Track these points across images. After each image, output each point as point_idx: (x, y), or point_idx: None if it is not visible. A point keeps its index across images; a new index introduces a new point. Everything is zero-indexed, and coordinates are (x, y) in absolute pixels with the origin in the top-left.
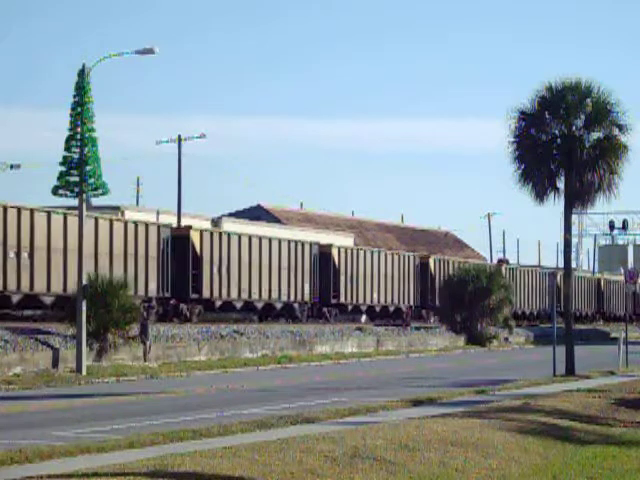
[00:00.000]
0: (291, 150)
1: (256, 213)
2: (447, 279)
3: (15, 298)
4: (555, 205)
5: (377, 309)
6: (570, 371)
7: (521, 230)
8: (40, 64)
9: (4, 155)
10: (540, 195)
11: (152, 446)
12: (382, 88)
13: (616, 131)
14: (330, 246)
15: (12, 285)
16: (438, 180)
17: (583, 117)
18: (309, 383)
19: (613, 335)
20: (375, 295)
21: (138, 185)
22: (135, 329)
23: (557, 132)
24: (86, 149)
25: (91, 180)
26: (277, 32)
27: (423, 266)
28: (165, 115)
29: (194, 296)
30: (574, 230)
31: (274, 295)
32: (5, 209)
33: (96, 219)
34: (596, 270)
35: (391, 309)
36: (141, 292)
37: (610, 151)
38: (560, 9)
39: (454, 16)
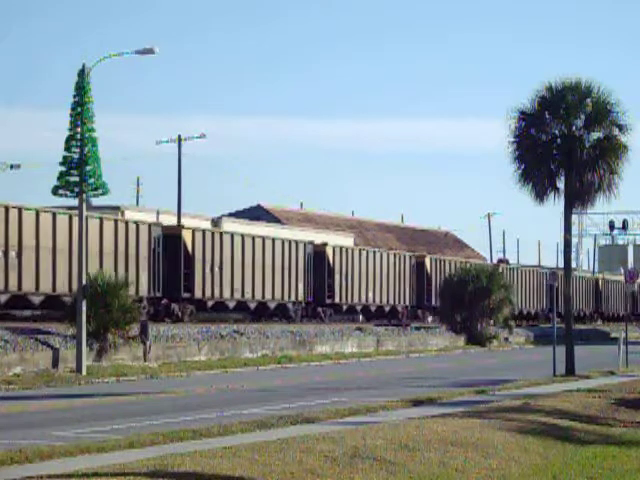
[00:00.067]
0: (291, 150)
1: (256, 213)
2: (447, 279)
3: (3, 298)
4: (555, 205)
5: (372, 309)
6: (570, 371)
7: (521, 230)
8: (40, 64)
9: (4, 155)
10: (540, 195)
11: (152, 446)
12: (382, 88)
13: (616, 131)
14: (324, 245)
15: (0, 285)
16: (438, 180)
17: (583, 117)
18: (309, 383)
19: (613, 335)
20: (370, 295)
21: (138, 185)
22: (135, 329)
23: (557, 132)
24: (86, 149)
25: (91, 180)
26: (277, 32)
27: (419, 266)
28: (165, 115)
29: (186, 295)
30: (574, 230)
31: (267, 295)
32: None
33: (86, 218)
34: (596, 270)
35: (387, 309)
36: (132, 292)
37: (610, 151)
38: (560, 9)
39: (454, 16)
